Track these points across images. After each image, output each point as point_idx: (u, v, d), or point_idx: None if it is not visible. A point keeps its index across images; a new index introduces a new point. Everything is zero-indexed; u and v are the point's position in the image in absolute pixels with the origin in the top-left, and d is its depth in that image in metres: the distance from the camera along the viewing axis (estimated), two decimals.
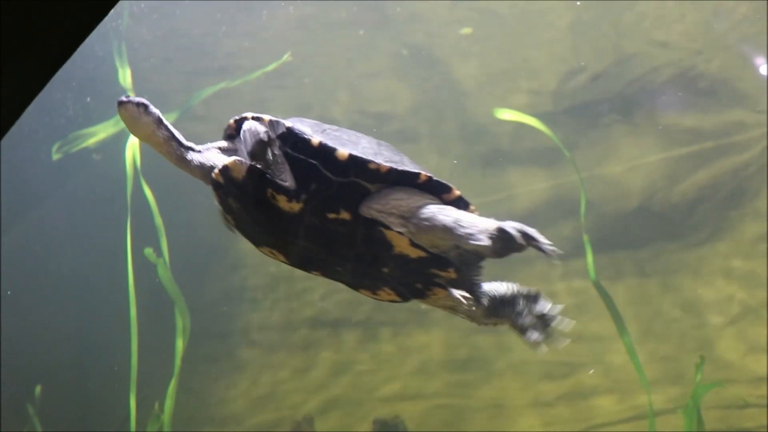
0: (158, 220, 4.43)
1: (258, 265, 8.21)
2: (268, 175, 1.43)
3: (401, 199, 1.49)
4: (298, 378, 7.80)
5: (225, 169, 1.53)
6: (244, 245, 7.79)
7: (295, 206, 1.46)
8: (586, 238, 4.28)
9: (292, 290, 8.16)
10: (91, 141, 5.59)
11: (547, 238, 6.91)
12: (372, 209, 1.45)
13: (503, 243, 1.53)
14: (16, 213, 7.08)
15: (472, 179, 7.80)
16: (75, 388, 7.37)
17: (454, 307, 1.71)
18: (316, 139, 1.43)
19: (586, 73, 7.66)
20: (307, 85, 7.89)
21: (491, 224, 1.56)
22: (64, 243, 7.33)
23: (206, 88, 5.99)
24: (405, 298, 1.67)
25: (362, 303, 7.89)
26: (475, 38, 7.83)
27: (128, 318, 4.19)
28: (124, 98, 1.58)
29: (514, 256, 1.61)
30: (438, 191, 1.58)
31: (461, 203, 1.65)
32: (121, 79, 5.39)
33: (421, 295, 1.66)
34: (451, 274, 1.58)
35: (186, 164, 1.66)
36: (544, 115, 7.44)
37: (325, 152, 1.41)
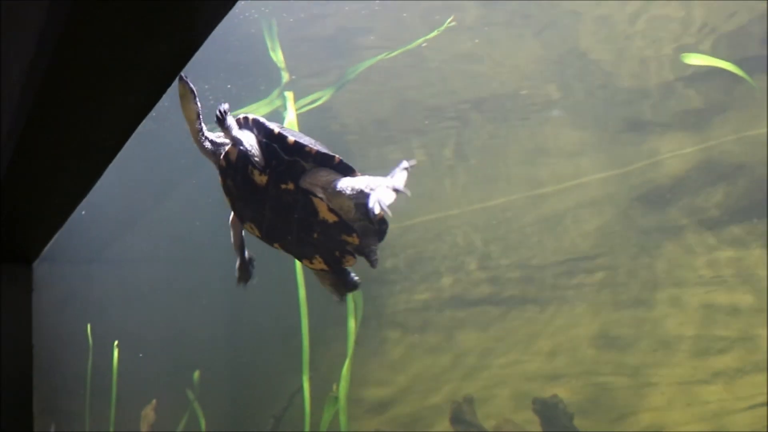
0: None
1: (398, 246, 8.26)
2: (249, 156, 2.03)
3: (323, 175, 2.03)
4: (445, 359, 7.82)
5: (226, 154, 2.09)
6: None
7: (264, 178, 2.02)
8: None
9: (432, 270, 8.17)
10: None
11: (698, 204, 6.52)
12: (306, 181, 2.02)
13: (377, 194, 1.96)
14: (164, 199, 7.25)
15: (615, 147, 7.52)
16: (232, 374, 7.66)
17: (335, 284, 2.18)
18: (277, 130, 2.04)
19: (733, 29, 7.17)
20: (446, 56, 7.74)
21: (364, 183, 2.02)
22: (220, 229, 7.53)
23: (363, 62, 5.91)
24: (329, 266, 2.12)
25: (505, 282, 7.80)
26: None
27: (295, 300, 4.22)
28: (184, 76, 2.01)
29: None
30: (347, 170, 2.07)
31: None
32: (273, 57, 5.36)
33: (338, 262, 2.10)
34: (355, 239, 2.05)
35: (205, 151, 2.15)
36: (691, 74, 7.07)
37: (282, 138, 2.03)
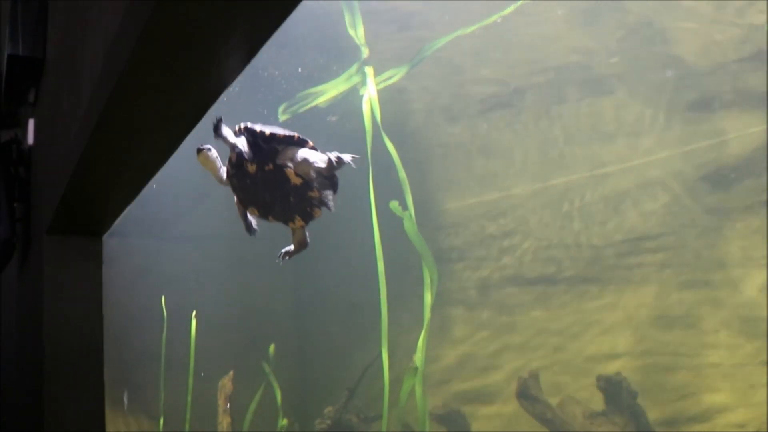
0: (402, 174, 4.46)
1: (459, 224, 8.33)
2: (243, 154, 2.61)
3: (289, 151, 2.63)
4: (506, 337, 7.89)
5: (229, 159, 2.66)
6: (448, 205, 7.91)
7: (253, 167, 2.62)
8: None
9: (493, 249, 8.22)
10: (322, 99, 5.57)
11: (763, 185, 6.46)
12: (279, 159, 2.62)
13: (331, 164, 2.63)
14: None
15: (679, 126, 7.47)
16: (305, 347, 7.80)
17: (301, 240, 2.79)
18: (258, 128, 2.62)
19: None
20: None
21: (324, 156, 2.65)
22: None
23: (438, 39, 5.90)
24: (305, 221, 2.73)
25: (565, 260, 7.83)
26: None
27: (373, 273, 4.30)
28: (202, 147, 2.70)
29: None
30: (303, 143, 2.66)
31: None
32: (352, 34, 5.38)
33: (310, 216, 2.72)
34: (316, 193, 2.66)
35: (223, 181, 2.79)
36: (757, 52, 6.98)
37: (261, 133, 2.61)
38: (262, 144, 2.61)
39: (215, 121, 2.56)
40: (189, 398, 5.10)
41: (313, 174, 2.63)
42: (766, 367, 6.61)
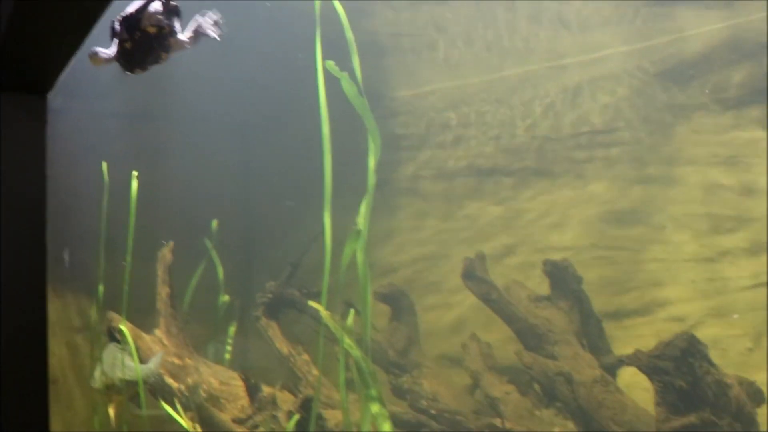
0: (349, 34, 4.21)
1: (412, 113, 8.18)
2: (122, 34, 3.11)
3: (141, 11, 3.07)
4: (455, 227, 7.85)
5: (117, 51, 3.17)
6: (400, 93, 7.73)
7: (132, 43, 3.11)
8: None
9: (446, 139, 8.11)
10: None
11: (720, 83, 6.35)
12: (141, 23, 3.08)
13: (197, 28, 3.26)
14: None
15: (639, 21, 7.34)
16: (249, 225, 7.68)
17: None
18: (127, 10, 3.07)
19: None
20: None
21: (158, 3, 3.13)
22: (236, 93, 7.37)
23: None
24: (167, 52, 3.21)
25: (520, 152, 7.76)
26: None
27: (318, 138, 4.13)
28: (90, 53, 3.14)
29: None
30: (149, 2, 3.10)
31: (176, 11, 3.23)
32: None
33: (169, 48, 3.20)
34: (167, 29, 3.14)
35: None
36: None
37: (128, 13, 3.08)
38: (132, 20, 3.08)
39: (114, 28, 3.10)
40: (129, 258, 4.92)
41: (159, 18, 3.11)
42: (709, 263, 6.69)
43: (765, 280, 6.34)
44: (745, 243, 6.61)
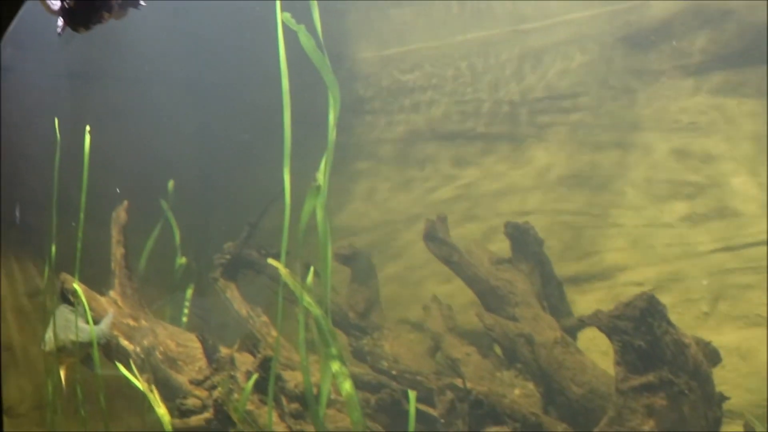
0: None
1: (374, 74, 8.09)
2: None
3: None
4: (417, 192, 7.81)
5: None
6: (364, 54, 7.64)
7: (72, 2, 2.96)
8: None
9: (407, 103, 8.04)
10: None
11: (682, 48, 6.35)
12: None
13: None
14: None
15: None
16: (206, 186, 7.56)
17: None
18: None
19: None
20: None
21: None
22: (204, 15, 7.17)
23: None
24: (110, 11, 3.06)
25: (481, 117, 7.72)
26: None
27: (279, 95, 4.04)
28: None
29: None
30: None
31: None
32: None
33: (111, 8, 3.06)
34: None
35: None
36: None
37: None
38: None
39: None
40: (82, 215, 4.78)
41: None
42: (669, 228, 6.73)
43: (722, 245, 6.40)
44: (704, 209, 6.65)
